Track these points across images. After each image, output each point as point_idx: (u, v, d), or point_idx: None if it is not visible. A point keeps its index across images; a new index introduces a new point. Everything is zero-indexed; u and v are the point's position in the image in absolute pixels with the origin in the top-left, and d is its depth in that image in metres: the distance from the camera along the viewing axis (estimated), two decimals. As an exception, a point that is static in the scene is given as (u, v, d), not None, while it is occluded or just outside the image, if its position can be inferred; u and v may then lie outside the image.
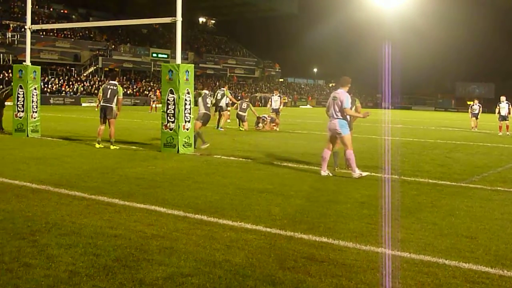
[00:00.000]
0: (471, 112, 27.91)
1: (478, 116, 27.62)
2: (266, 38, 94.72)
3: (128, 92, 59.35)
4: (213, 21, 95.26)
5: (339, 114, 9.77)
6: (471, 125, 27.37)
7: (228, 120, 22.97)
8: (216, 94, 22.04)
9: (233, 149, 14.05)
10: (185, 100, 13.09)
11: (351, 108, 10.21)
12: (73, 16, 67.41)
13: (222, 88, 22.79)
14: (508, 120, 24.41)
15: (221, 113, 21.77)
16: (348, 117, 9.89)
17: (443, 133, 24.73)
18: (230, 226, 6.03)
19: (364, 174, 9.74)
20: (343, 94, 9.84)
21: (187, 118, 13.15)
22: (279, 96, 23.98)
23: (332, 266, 4.73)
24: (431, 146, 17.07)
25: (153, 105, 38.69)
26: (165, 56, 71.84)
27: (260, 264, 4.72)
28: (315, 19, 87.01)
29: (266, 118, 22.48)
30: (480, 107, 27.86)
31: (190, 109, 13.26)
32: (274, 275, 4.46)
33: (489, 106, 60.32)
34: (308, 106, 79.41)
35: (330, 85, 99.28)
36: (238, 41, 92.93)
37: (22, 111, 16.37)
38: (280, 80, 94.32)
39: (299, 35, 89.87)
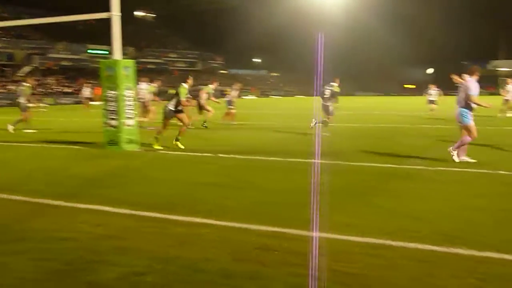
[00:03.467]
0: (427, 98, 27.44)
1: (436, 101, 26.89)
2: (208, 30, 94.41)
3: (68, 91, 57.81)
4: (153, 15, 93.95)
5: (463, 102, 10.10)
6: (429, 109, 26.58)
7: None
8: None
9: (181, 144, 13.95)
10: (126, 96, 12.83)
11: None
12: (5, 15, 65.06)
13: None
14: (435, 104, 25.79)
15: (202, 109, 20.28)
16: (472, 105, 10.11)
17: (386, 118, 25.32)
18: (182, 221, 6.00)
19: (471, 160, 10.05)
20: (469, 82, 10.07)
21: (128, 114, 12.90)
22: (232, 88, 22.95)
23: (286, 255, 4.78)
24: (375, 131, 17.44)
25: (88, 102, 36.91)
26: (106, 52, 70.39)
27: (214, 257, 4.72)
28: (256, 10, 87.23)
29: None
30: (438, 91, 27.43)
31: (131, 105, 13.02)
32: (228, 268, 4.47)
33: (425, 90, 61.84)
34: (252, 97, 79.66)
35: (273, 74, 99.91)
36: (179, 35, 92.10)
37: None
38: (224, 72, 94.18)
39: (241, 26, 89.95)
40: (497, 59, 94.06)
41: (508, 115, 24.30)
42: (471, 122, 10.06)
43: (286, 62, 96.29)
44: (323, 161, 10.29)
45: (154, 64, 78.91)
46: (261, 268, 4.45)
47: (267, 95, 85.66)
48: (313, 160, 10.31)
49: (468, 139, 10.08)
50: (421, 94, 29.32)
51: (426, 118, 23.85)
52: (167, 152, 12.31)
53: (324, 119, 17.03)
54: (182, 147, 12.87)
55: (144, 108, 20.20)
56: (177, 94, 13.07)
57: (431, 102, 26.87)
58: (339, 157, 10.81)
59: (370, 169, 9.57)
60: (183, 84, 13.22)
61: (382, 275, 4.28)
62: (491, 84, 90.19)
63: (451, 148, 10.26)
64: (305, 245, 4.97)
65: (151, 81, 21.68)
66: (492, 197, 7.09)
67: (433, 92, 27.37)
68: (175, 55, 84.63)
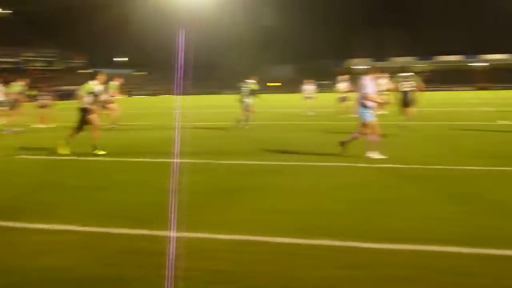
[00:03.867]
0: (304, 94, 25.89)
1: (313, 96, 25.45)
2: (69, 29, 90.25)
3: None
4: (9, 12, 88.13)
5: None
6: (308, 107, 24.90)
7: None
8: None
9: (38, 147, 13.14)
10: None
11: None
12: None
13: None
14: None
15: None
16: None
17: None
18: (39, 229, 5.60)
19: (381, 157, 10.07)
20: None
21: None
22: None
23: (151, 256, 4.63)
24: (239, 128, 17.64)
25: None
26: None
27: (77, 264, 4.45)
28: (122, 8, 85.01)
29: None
30: (314, 87, 25.90)
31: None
32: (91, 274, 4.24)
33: (290, 87, 63.82)
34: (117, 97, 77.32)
35: (139, 73, 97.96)
36: (37, 33, 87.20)
37: None
38: (85, 71, 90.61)
39: (105, 25, 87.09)
40: (354, 58, 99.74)
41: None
42: (370, 119, 10.26)
43: (153, 61, 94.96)
44: (191, 160, 10.19)
45: (10, 64, 74.11)
46: (124, 272, 4.27)
47: (130, 95, 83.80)
48: (180, 160, 10.18)
49: (369, 135, 10.24)
50: (286, 92, 29.92)
51: (303, 116, 24.57)
52: (22, 156, 11.53)
53: (244, 116, 17.82)
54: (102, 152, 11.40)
55: (11, 110, 18.67)
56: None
57: (308, 98, 25.53)
58: (208, 156, 10.79)
59: (238, 167, 9.63)
60: (90, 81, 11.91)
61: (249, 271, 4.28)
62: (350, 81, 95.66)
63: (367, 152, 10.26)
64: (170, 246, 4.85)
65: (7, 81, 20.12)
66: (356, 188, 7.42)
67: (309, 87, 25.86)
68: (32, 54, 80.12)
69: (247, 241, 5.05)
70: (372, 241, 4.93)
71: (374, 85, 10.44)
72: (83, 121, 11.69)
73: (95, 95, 11.72)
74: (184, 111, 29.57)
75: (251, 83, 18.37)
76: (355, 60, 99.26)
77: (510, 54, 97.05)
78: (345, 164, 9.51)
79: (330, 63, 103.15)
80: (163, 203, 6.57)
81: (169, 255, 4.59)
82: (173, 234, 5.25)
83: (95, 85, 11.84)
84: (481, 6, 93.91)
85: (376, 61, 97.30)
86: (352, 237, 5.05)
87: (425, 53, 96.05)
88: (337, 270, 4.27)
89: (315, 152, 11.02)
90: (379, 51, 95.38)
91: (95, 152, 11.27)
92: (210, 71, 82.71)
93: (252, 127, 17.64)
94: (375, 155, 10.13)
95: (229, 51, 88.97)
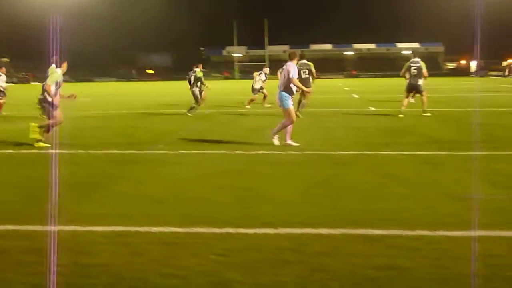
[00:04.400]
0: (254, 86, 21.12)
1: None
2: None
3: None
4: None
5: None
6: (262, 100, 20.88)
7: None
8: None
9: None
10: None
11: None
12: None
13: None
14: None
15: None
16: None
17: (126, 103, 25.22)
18: None
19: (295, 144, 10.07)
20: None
21: None
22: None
23: (22, 254, 4.43)
24: (116, 117, 17.25)
25: None
26: None
27: None
28: None
29: None
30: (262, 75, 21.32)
31: None
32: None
33: (168, 74, 63.38)
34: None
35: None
36: None
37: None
38: None
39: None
40: (232, 46, 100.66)
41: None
42: (290, 106, 10.25)
43: (17, 48, 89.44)
44: (62, 151, 9.78)
45: None
46: (-6, 272, 4.05)
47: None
48: (51, 151, 9.75)
49: (288, 122, 10.17)
50: (162, 79, 29.20)
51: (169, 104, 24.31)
52: None
53: (193, 105, 17.70)
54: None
55: None
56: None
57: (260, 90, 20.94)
58: (84, 146, 10.41)
59: (113, 156, 9.43)
60: (53, 66, 10.41)
61: (127, 262, 4.24)
62: (227, 69, 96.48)
63: (271, 132, 10.30)
64: (43, 241, 4.66)
65: None
66: (231, 176, 7.56)
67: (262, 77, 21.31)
68: None
69: (124, 232, 4.98)
70: (247, 226, 5.07)
71: (296, 70, 10.44)
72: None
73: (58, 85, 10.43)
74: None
75: (197, 71, 18.09)
76: (233, 48, 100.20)
77: (376, 44, 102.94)
78: (222, 151, 9.65)
79: (208, 51, 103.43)
80: (36, 197, 6.29)
81: (42, 250, 4.42)
82: (46, 228, 5.05)
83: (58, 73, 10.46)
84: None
85: (252, 49, 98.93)
86: (229, 223, 5.16)
87: (300, 42, 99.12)
88: (217, 256, 4.34)
89: (196, 139, 11.05)
90: (257, 39, 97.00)
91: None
92: (82, 58, 79.53)
93: (134, 115, 17.29)
94: (292, 142, 10.12)
95: (101, 38, 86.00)
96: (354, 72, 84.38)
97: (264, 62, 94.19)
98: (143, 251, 4.48)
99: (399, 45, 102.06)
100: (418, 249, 4.47)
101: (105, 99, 30.68)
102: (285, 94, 10.19)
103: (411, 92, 16.37)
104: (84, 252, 4.46)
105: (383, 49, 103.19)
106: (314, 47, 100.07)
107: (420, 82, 16.07)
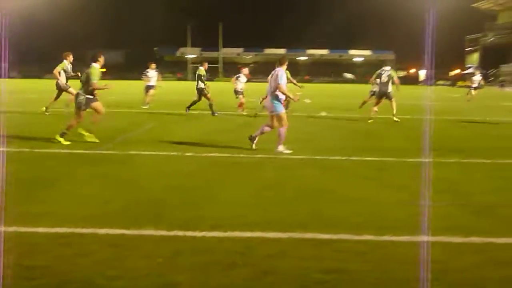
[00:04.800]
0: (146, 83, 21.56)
1: (155, 86, 21.70)
2: None
3: None
4: None
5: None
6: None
7: None
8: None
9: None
10: None
11: None
12: None
13: None
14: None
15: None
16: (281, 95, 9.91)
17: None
18: None
19: (287, 151, 9.71)
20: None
21: None
22: None
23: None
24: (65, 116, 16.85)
25: None
26: None
27: None
28: None
29: None
30: (157, 73, 21.98)
31: None
32: None
33: (120, 73, 62.05)
34: None
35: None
36: None
37: None
38: None
39: None
40: (186, 46, 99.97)
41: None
42: (283, 111, 9.98)
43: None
44: (9, 149, 9.49)
45: None
46: None
47: None
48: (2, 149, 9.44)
49: (283, 129, 9.82)
50: (114, 78, 28.61)
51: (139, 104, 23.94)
52: None
53: (210, 103, 17.72)
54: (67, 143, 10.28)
55: None
56: (88, 78, 10.57)
57: (150, 88, 21.40)
58: (33, 144, 10.12)
59: (60, 155, 9.20)
60: (94, 64, 10.78)
61: (71, 264, 4.14)
62: (180, 69, 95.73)
63: (277, 148, 9.77)
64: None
65: None
66: (181, 178, 7.50)
67: (152, 74, 21.71)
68: None
69: (69, 233, 4.86)
70: (196, 229, 5.03)
71: (285, 76, 10.14)
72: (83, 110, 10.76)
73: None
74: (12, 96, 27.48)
75: (201, 70, 18.18)
76: (187, 49, 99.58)
77: (329, 50, 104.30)
78: (173, 153, 9.56)
79: (161, 51, 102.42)
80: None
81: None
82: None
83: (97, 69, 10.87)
84: (305, 3, 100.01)
85: (206, 51, 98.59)
86: (177, 226, 5.12)
87: (254, 45, 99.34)
88: (165, 259, 4.29)
89: (146, 140, 10.92)
90: (211, 41, 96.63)
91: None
92: (32, 54, 77.46)
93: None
94: (284, 149, 9.76)
95: (52, 34, 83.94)
96: (307, 77, 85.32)
97: (218, 64, 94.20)
98: (88, 253, 4.39)
99: (351, 52, 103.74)
100: (364, 253, 4.54)
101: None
102: (277, 99, 9.95)
103: (381, 98, 16.73)
104: (26, 253, 4.34)
105: (335, 55, 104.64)
106: (268, 51, 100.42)
107: (390, 89, 16.52)
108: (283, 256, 4.43)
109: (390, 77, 16.46)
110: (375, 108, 16.76)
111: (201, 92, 17.89)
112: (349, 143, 11.43)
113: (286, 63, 10.19)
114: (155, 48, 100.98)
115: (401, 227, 5.26)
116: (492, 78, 72.76)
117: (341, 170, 8.41)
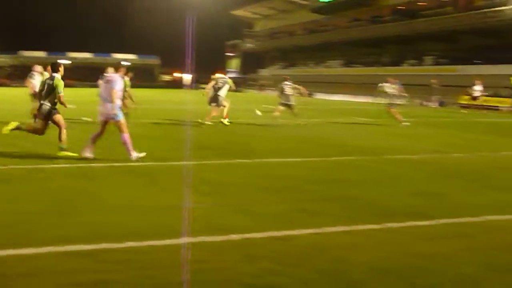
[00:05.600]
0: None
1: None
2: None
3: None
4: None
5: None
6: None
7: None
8: None
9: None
10: None
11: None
12: None
13: None
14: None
15: None
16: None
17: None
18: None
19: (141, 155, 9.68)
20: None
21: None
22: None
23: None
24: None
25: None
26: None
27: None
28: None
29: None
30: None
31: None
32: None
33: None
34: None
35: None
36: None
37: None
38: None
39: None
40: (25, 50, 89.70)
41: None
42: (121, 118, 9.76)
43: None
44: None
45: None
46: None
47: None
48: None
49: (126, 135, 9.63)
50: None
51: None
52: None
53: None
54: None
55: None
56: (53, 89, 9.87)
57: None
58: None
59: None
60: (57, 75, 10.03)
61: None
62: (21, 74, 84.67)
63: (131, 156, 9.57)
64: None
65: None
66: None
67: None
68: None
69: None
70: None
71: (122, 82, 10.23)
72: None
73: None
74: None
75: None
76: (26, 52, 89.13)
77: (93, 53, 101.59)
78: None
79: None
80: None
81: None
82: None
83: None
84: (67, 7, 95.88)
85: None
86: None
87: (7, 49, 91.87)
88: None
89: None
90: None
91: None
92: None
93: None
94: (138, 154, 9.69)
95: None
96: (69, 81, 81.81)
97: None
98: None
99: (116, 55, 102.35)
100: (127, 261, 4.48)
101: None
102: (117, 105, 9.80)
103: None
104: None
105: (100, 59, 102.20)
106: (26, 53, 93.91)
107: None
108: (38, 273, 4.15)
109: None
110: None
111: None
112: (112, 150, 11.21)
113: (123, 69, 10.54)
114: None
115: (163, 232, 5.31)
116: (252, 82, 77.80)
117: (103, 177, 8.20)
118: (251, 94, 60.51)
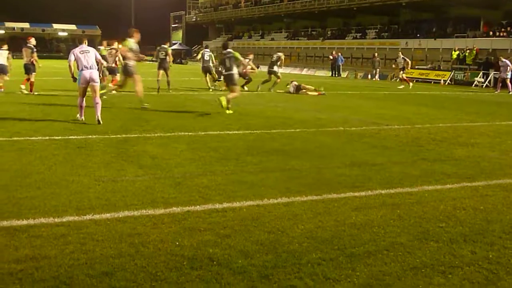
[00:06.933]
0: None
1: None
2: None
3: None
4: None
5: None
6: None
7: None
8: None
9: None
10: None
11: None
12: None
13: None
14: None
15: None
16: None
17: None
18: None
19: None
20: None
21: None
22: None
23: None
24: None
25: None
26: None
27: None
28: None
29: None
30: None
31: None
32: None
33: None
34: None
35: None
36: None
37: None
38: None
39: None
40: None
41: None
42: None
43: None
44: None
45: None
46: None
47: None
48: None
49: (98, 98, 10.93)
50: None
51: None
52: None
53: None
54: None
55: None
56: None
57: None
58: None
59: None
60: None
61: None
62: None
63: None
64: None
65: None
66: None
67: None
68: None
69: None
70: None
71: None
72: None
73: None
74: None
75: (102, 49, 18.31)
76: None
77: (30, 23, 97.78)
78: None
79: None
80: None
81: None
82: None
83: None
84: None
85: None
86: None
87: None
88: None
89: None
90: None
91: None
92: None
93: None
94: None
95: None
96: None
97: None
98: None
99: (56, 26, 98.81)
100: (64, 235, 4.41)
101: None
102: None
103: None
104: None
105: (38, 29, 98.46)
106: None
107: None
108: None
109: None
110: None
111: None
112: (56, 123, 10.93)
113: (85, 40, 11.53)
114: None
115: (102, 205, 5.25)
116: (196, 54, 76.97)
117: (40, 152, 7.98)
118: (196, 66, 59.82)
